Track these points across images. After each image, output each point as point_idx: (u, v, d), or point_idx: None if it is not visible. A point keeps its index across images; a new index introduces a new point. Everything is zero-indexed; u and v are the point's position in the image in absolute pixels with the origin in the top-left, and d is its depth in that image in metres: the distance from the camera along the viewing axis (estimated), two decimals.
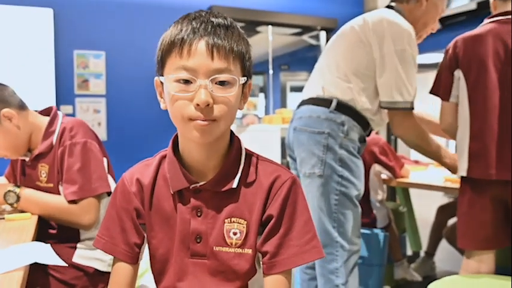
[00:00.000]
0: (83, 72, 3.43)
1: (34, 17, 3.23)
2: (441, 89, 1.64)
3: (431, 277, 2.80)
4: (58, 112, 1.57)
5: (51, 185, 1.49)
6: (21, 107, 1.50)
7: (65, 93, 3.36)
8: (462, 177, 1.60)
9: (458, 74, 1.58)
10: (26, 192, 1.44)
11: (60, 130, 1.50)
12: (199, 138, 0.80)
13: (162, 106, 0.86)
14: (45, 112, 1.59)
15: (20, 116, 1.48)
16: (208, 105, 0.77)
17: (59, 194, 1.49)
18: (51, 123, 1.52)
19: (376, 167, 2.45)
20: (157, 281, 0.91)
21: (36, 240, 1.22)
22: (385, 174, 2.50)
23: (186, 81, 0.78)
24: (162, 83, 0.83)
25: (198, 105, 0.76)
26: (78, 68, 3.42)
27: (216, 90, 0.78)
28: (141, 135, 3.53)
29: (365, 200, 2.35)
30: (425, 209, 4.05)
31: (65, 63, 3.36)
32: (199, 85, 0.77)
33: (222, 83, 0.78)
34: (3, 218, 1.39)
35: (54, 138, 1.50)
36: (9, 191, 1.42)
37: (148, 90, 3.61)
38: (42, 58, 3.26)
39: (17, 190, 1.43)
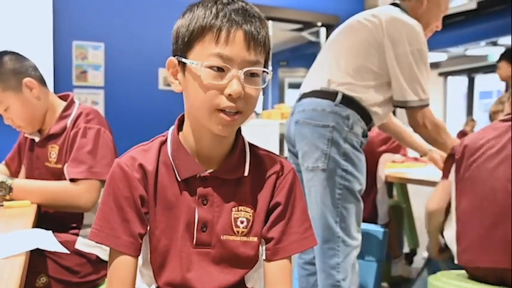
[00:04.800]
0: (82, 64, 3.40)
1: (33, 6, 3.20)
2: (445, 169, 1.65)
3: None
4: (75, 100, 1.60)
5: (59, 166, 1.48)
6: (42, 82, 1.53)
7: (62, 84, 3.32)
8: None
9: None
10: (19, 182, 1.41)
11: (76, 114, 1.52)
12: (221, 131, 0.79)
13: (176, 88, 0.84)
14: (62, 97, 1.61)
15: (41, 89, 1.51)
16: (239, 96, 0.76)
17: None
18: (68, 107, 1.55)
19: (382, 160, 2.46)
20: (158, 275, 0.86)
21: (37, 228, 1.20)
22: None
23: (219, 69, 0.76)
24: (179, 63, 0.81)
25: (230, 95, 0.76)
26: (76, 59, 3.39)
27: (246, 81, 0.77)
28: (139, 127, 3.50)
29: (369, 195, 2.35)
30: (421, 208, 4.05)
31: (63, 54, 3.34)
32: (232, 75, 0.76)
33: (252, 75, 0.78)
34: (2, 205, 1.36)
35: (69, 121, 1.52)
36: (1, 182, 1.38)
37: (147, 82, 3.59)
38: (41, 48, 3.23)
39: (9, 181, 1.38)
